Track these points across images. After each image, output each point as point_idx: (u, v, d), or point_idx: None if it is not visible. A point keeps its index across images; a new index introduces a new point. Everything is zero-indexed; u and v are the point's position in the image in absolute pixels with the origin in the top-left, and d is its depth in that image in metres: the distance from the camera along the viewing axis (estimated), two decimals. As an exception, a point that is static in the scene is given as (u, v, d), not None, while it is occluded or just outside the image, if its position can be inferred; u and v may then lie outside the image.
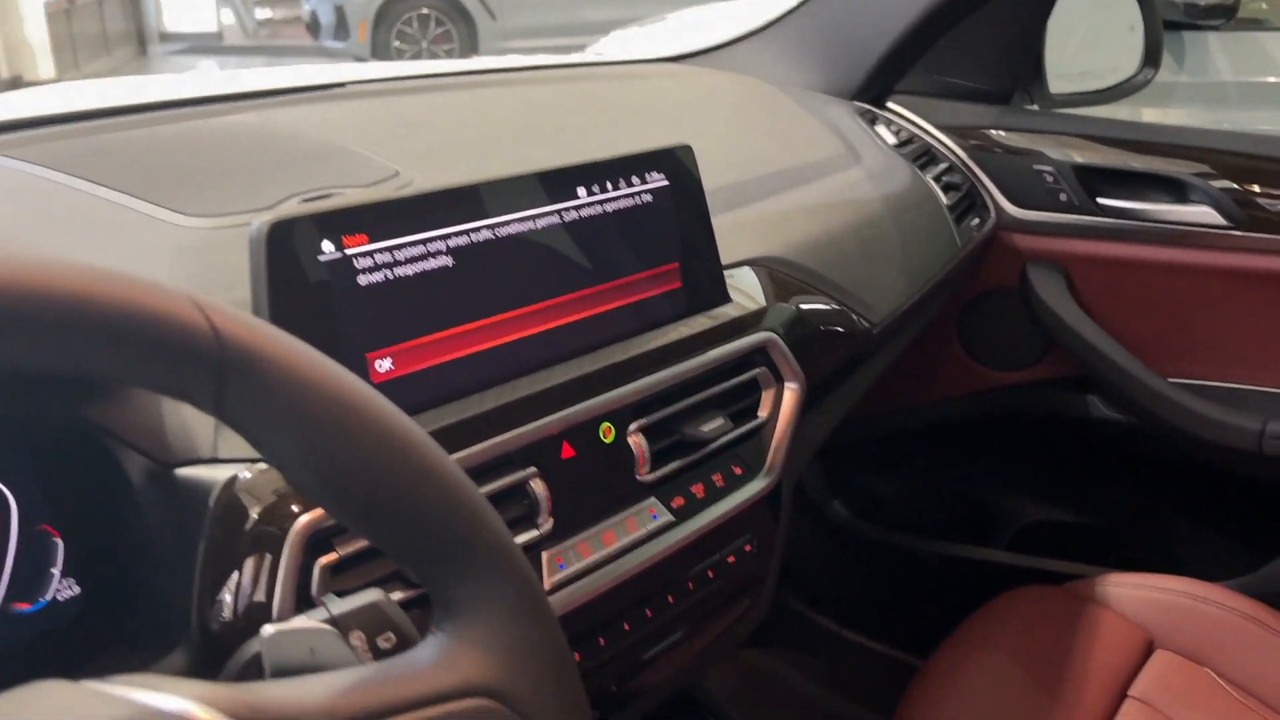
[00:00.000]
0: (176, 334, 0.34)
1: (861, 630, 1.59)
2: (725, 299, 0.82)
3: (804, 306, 0.90)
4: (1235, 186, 1.22)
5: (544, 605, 0.42)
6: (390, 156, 0.86)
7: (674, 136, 0.80)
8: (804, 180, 1.08)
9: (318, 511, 0.56)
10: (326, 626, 0.41)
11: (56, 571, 0.56)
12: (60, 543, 0.56)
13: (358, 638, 0.45)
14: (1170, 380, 1.28)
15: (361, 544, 0.58)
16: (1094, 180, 1.29)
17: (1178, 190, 1.26)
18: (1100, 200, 1.29)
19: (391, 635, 0.45)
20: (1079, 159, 1.29)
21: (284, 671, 0.41)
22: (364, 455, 0.38)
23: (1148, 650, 1.15)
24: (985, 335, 1.42)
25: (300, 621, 0.42)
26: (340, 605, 0.46)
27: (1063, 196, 1.31)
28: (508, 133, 1.02)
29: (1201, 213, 1.23)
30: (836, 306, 0.95)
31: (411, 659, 0.40)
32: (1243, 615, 1.14)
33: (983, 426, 1.48)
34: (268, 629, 0.41)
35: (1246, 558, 1.28)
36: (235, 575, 0.55)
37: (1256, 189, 1.21)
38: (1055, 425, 1.42)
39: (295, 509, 0.56)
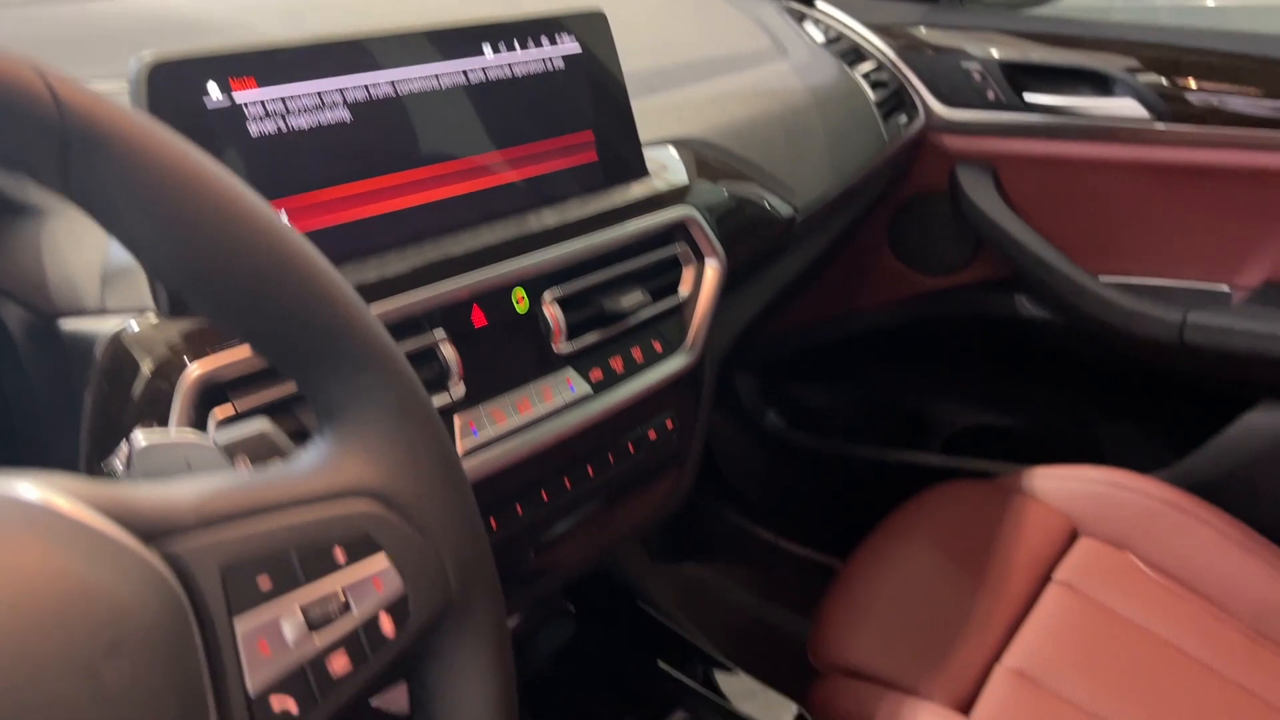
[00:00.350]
0: (12, 96, 0.32)
1: (798, 539, 1.60)
2: (643, 173, 0.81)
3: (726, 187, 0.88)
4: (1159, 80, 1.23)
5: (427, 406, 0.41)
6: (289, 30, 0.83)
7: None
8: (729, 70, 1.07)
9: (212, 362, 0.54)
10: (204, 439, 0.40)
11: (-65, 428, 0.54)
12: (-62, 399, 0.54)
13: (242, 461, 0.43)
14: (1097, 277, 1.30)
15: (259, 398, 0.57)
16: (1020, 76, 1.29)
17: (1102, 84, 1.26)
18: (1027, 97, 1.29)
19: (279, 461, 0.44)
20: (1005, 55, 1.29)
21: (157, 484, 0.39)
22: (226, 242, 0.36)
23: (1071, 537, 1.17)
24: (916, 239, 1.42)
25: (176, 434, 0.40)
26: (225, 432, 0.44)
27: (990, 94, 1.31)
28: (420, 12, 0.99)
29: (1126, 105, 1.24)
30: (760, 190, 0.93)
31: (290, 465, 0.39)
32: (1163, 502, 1.16)
33: (914, 332, 1.48)
34: (139, 438, 0.39)
35: (1170, 450, 1.30)
36: (125, 429, 0.53)
37: (1180, 82, 1.22)
38: (985, 327, 1.43)
39: (186, 360, 0.54)
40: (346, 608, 0.37)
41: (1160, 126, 1.22)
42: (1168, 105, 1.22)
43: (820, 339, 1.54)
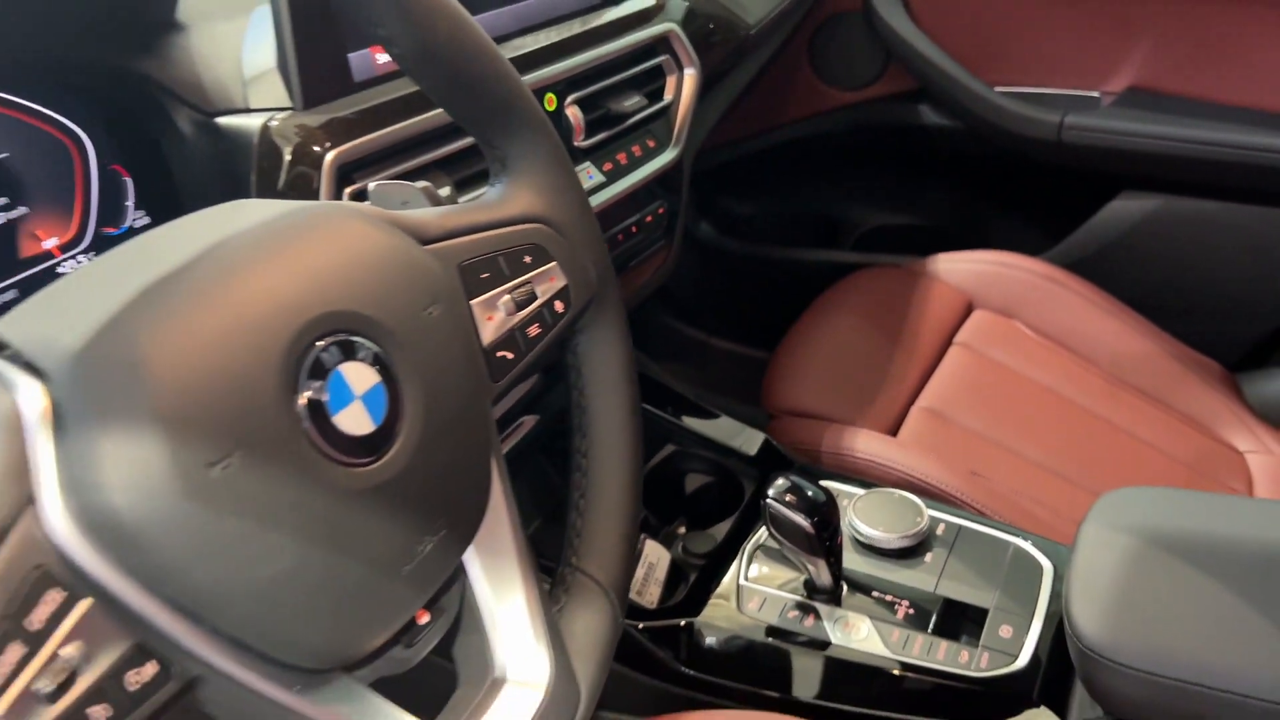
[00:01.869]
0: None
1: (727, 336, 1.81)
2: (631, -7, 0.96)
3: (694, 5, 1.04)
4: (1046, -93, 1.40)
5: (568, 157, 0.57)
6: None
7: None
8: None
9: (344, 148, 0.69)
10: (419, 185, 0.56)
11: (130, 204, 0.68)
12: (130, 181, 0.68)
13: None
14: (991, 87, 1.49)
15: (374, 176, 0.72)
16: (926, -95, 1.45)
17: (998, -88, 1.42)
18: (932, -77, 1.45)
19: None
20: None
21: (387, 215, 0.55)
22: (450, 41, 0.51)
23: (968, 309, 1.40)
24: (832, 57, 1.59)
25: (398, 182, 0.56)
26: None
27: (899, -80, 1.46)
28: None
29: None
30: (720, 7, 1.09)
31: (484, 200, 0.55)
32: (1043, 277, 1.40)
33: (830, 143, 1.67)
34: (373, 184, 0.55)
35: (1050, 236, 1.54)
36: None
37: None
38: (892, 136, 1.62)
39: (318, 149, 0.69)
40: (534, 295, 0.55)
41: (1046, -51, 1.40)
42: (1053, -70, 1.40)
43: (747, 152, 1.71)
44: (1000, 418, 1.23)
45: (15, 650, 0.33)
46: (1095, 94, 1.49)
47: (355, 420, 0.43)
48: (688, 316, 1.83)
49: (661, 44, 0.97)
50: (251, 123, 0.68)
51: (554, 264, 0.56)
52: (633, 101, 0.93)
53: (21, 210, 0.62)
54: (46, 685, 0.34)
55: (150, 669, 0.37)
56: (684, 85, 0.99)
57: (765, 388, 1.24)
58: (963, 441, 1.18)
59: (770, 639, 0.85)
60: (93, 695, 0.35)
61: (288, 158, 0.68)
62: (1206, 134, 1.37)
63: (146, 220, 0.69)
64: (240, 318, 0.40)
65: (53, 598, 0.35)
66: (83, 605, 0.36)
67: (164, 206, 0.70)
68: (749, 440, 1.07)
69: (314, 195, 0.69)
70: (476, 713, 0.49)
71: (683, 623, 0.86)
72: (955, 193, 1.67)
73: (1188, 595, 0.73)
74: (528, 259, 0.55)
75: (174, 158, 0.69)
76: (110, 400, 0.37)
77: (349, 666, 0.45)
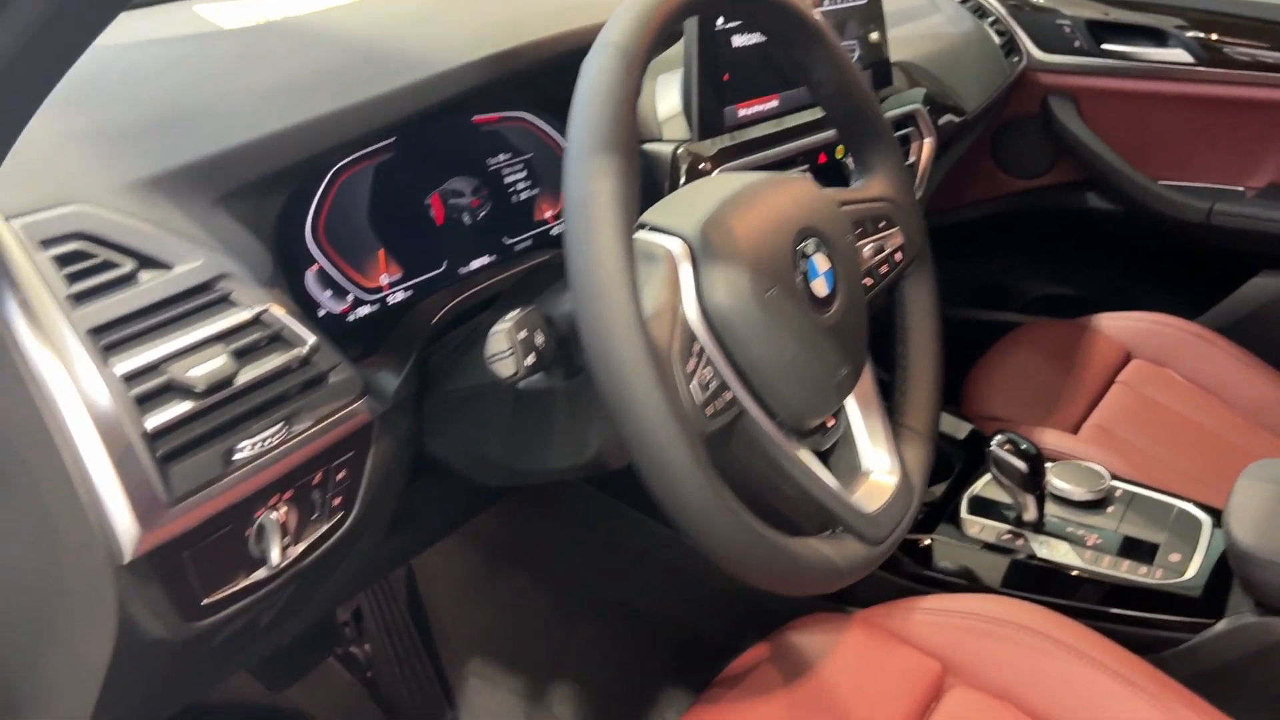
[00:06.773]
0: (803, 13, 0.79)
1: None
2: (890, 82, 1.29)
3: (930, 92, 1.37)
4: (1202, 35, 1.71)
5: (904, 162, 0.89)
6: None
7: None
8: (907, 19, 1.54)
9: (723, 166, 1.03)
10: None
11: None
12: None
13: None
14: (1150, 179, 1.78)
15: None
16: (1100, 31, 1.77)
17: (1160, 38, 1.74)
18: (1104, 46, 1.77)
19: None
20: (1089, 15, 1.77)
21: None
22: (852, 86, 0.84)
23: (1126, 359, 1.67)
24: (1011, 150, 1.91)
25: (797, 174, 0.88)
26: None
27: (1076, 43, 1.78)
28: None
29: (1177, 54, 1.72)
30: (947, 95, 1.42)
31: (857, 186, 0.88)
32: (1192, 335, 1.66)
33: (1003, 221, 1.97)
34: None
35: (1194, 306, 1.80)
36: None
37: (1216, 37, 1.70)
38: (1060, 218, 1.92)
39: (704, 167, 1.02)
40: (884, 246, 0.86)
41: (1202, 69, 1.70)
42: (1208, 54, 1.70)
43: (931, 225, 2.02)
44: (1156, 439, 1.48)
45: (691, 362, 0.66)
46: (1240, 188, 1.76)
47: (820, 287, 0.74)
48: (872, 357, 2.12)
49: (909, 119, 1.30)
50: (665, 148, 1.02)
51: (897, 228, 0.88)
52: (891, 160, 1.25)
53: (536, 190, 0.98)
54: (698, 395, 0.66)
55: (728, 396, 0.69)
56: (924, 149, 1.31)
57: (965, 397, 1.53)
58: (1127, 450, 1.44)
59: (989, 552, 1.13)
60: (722, 399, 0.67)
61: (684, 171, 1.02)
62: (1339, 222, 1.64)
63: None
64: (771, 220, 0.73)
65: (695, 348, 0.67)
66: (704, 358, 0.68)
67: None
68: (958, 428, 1.36)
69: (703, 197, 1.02)
70: (855, 488, 0.79)
71: (926, 540, 1.15)
72: (1111, 267, 1.95)
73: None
74: (882, 224, 0.87)
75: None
76: (720, 250, 0.69)
77: (800, 433, 0.75)
